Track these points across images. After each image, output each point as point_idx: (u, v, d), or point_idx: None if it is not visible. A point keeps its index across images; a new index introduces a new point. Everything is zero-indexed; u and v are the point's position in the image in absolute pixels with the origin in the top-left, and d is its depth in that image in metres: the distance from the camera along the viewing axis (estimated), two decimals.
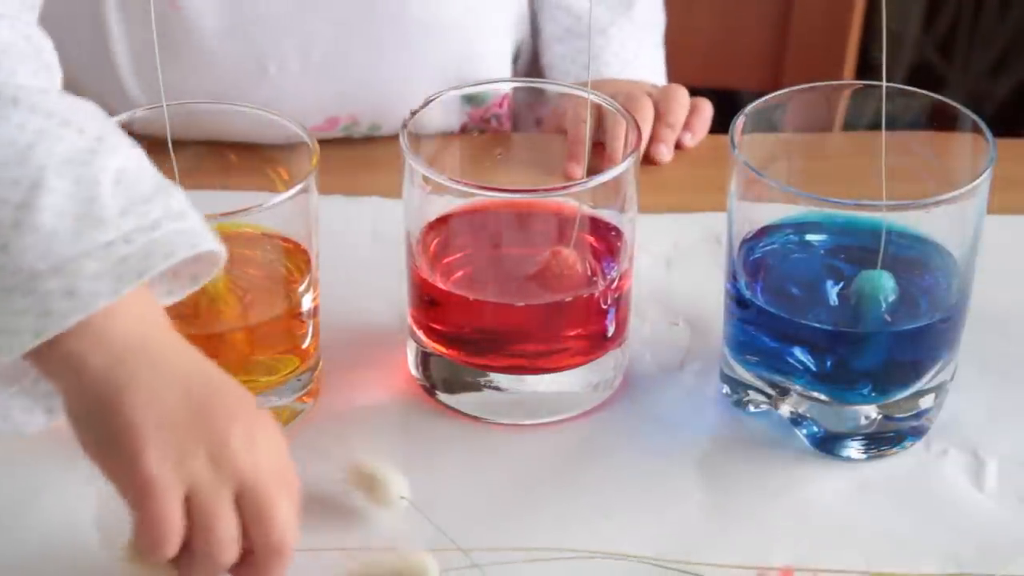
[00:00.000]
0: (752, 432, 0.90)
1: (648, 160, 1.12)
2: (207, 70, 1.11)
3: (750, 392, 0.90)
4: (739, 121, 0.87)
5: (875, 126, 0.87)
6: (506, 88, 1.18)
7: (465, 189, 0.86)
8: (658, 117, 1.13)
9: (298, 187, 0.84)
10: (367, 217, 1.06)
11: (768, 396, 0.89)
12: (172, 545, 0.71)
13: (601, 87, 1.18)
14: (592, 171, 0.89)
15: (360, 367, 0.94)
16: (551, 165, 1.00)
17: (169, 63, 1.04)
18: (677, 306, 0.99)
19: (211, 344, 0.86)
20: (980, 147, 0.85)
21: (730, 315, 0.90)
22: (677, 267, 1.03)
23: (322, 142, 0.88)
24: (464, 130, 1.14)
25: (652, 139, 1.13)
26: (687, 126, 1.14)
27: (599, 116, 0.95)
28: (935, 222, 0.85)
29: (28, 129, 0.73)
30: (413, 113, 0.89)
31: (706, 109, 1.16)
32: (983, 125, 0.86)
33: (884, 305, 0.86)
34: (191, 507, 0.71)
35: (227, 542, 0.72)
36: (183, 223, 0.74)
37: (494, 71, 1.19)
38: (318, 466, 0.87)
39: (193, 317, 0.87)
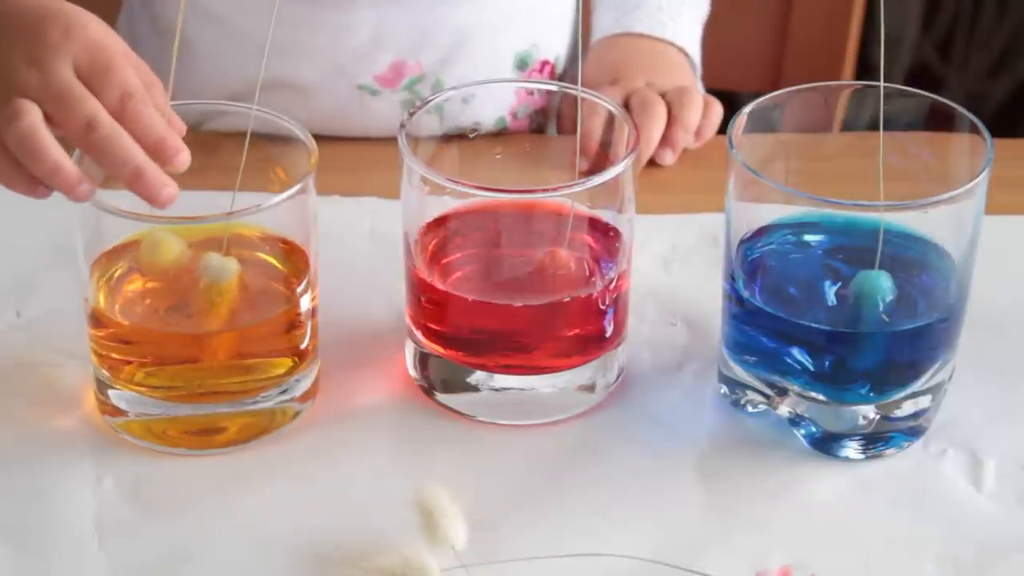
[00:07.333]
0: (750, 432, 0.90)
1: (651, 162, 1.11)
2: None
3: (748, 392, 0.90)
4: (737, 121, 0.87)
5: (873, 127, 0.87)
6: (512, 85, 1.18)
7: (463, 189, 0.86)
8: (672, 120, 1.12)
9: (296, 187, 0.84)
10: (365, 217, 1.06)
11: (766, 396, 0.89)
12: None
13: (623, 71, 1.17)
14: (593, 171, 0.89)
15: (358, 367, 0.94)
16: (550, 165, 1.00)
17: None
18: (675, 306, 0.99)
19: (209, 343, 0.86)
20: (978, 147, 0.85)
21: (728, 315, 0.90)
22: (675, 267, 1.03)
23: (319, 140, 0.88)
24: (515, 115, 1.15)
25: (663, 141, 1.12)
26: (696, 133, 1.13)
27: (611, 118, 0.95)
28: (933, 222, 0.85)
29: None
30: (411, 114, 0.89)
31: (715, 111, 1.14)
32: (981, 125, 0.86)
33: (882, 305, 0.86)
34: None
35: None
36: None
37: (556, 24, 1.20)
38: (317, 467, 0.87)
39: (193, 316, 0.87)
